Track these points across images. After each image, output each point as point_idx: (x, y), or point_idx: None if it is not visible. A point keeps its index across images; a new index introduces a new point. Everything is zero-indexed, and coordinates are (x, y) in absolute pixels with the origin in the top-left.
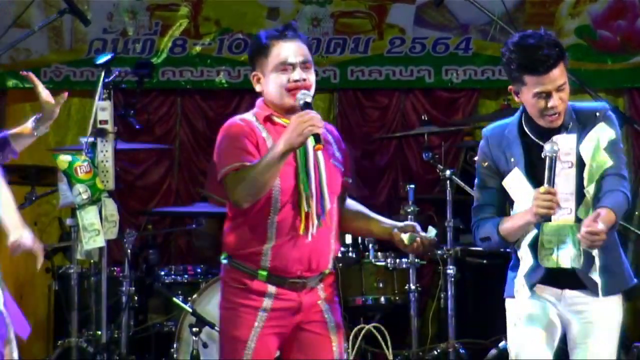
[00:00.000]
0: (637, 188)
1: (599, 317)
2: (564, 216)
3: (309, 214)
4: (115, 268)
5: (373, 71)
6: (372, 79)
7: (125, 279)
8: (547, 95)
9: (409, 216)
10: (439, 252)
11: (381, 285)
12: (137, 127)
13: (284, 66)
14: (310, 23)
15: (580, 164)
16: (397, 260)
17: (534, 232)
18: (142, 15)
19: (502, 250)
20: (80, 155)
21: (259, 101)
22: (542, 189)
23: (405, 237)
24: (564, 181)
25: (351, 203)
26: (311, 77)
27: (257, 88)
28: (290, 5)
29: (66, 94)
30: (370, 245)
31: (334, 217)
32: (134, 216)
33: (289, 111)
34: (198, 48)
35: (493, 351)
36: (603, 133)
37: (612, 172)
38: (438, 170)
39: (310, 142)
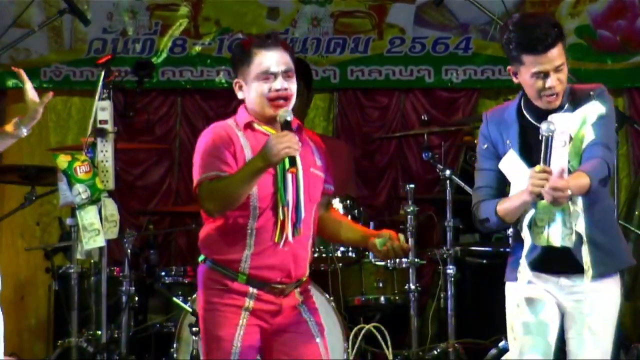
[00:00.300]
0: (636, 188)
1: (595, 308)
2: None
3: (284, 222)
4: (115, 268)
5: (373, 71)
6: (372, 79)
7: (125, 279)
8: (545, 75)
9: (409, 216)
10: (439, 251)
11: (381, 285)
12: (137, 127)
13: (266, 75)
14: (310, 23)
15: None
16: (397, 260)
17: (532, 212)
18: (142, 15)
19: (501, 250)
20: (80, 155)
21: (240, 108)
22: (537, 167)
23: (378, 241)
24: (557, 159)
25: (336, 213)
26: (292, 87)
27: (240, 95)
28: (290, 5)
29: (51, 94)
30: None
31: (311, 225)
32: (134, 216)
33: (269, 120)
34: (198, 48)
35: (493, 351)
36: (593, 109)
37: (596, 142)
38: (438, 170)
39: (286, 164)
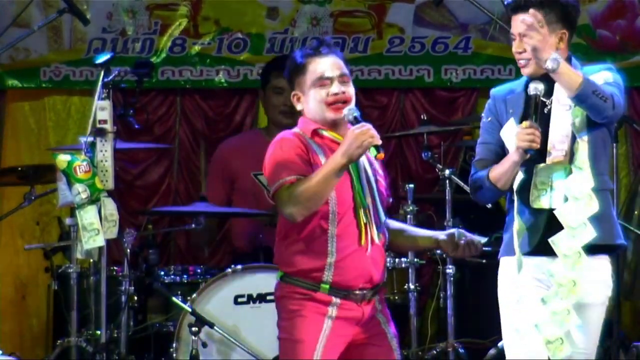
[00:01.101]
0: (636, 187)
1: (585, 295)
2: (558, 157)
3: (367, 225)
4: (115, 268)
5: (372, 70)
6: (372, 79)
7: (124, 279)
8: (514, 38)
9: (408, 216)
10: (439, 251)
11: None
12: (136, 126)
13: (322, 81)
14: (310, 22)
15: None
16: (397, 260)
17: (521, 176)
18: (142, 15)
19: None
20: (79, 155)
21: (301, 119)
22: (523, 124)
23: (456, 232)
24: (560, 123)
25: (391, 221)
26: (350, 90)
27: (298, 107)
28: (290, 5)
29: None
30: None
31: (385, 230)
32: (133, 216)
33: (332, 125)
34: (197, 47)
35: (492, 351)
36: (598, 75)
37: (607, 87)
38: (437, 170)
39: (371, 152)
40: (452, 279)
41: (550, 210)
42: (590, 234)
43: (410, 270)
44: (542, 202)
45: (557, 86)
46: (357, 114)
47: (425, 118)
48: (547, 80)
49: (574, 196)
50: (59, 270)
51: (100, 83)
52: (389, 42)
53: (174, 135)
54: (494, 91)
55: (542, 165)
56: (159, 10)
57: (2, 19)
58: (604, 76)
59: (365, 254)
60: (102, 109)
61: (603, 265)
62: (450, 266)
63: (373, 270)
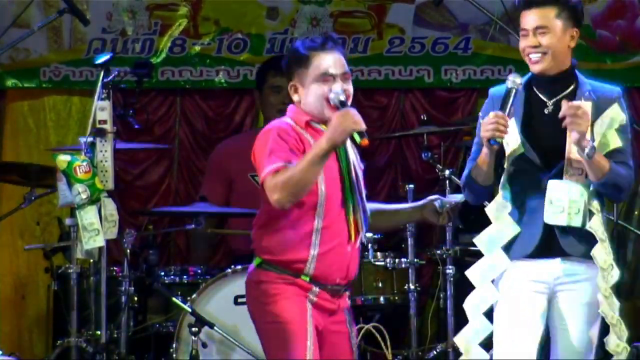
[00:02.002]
0: (636, 188)
1: (589, 294)
2: (575, 176)
3: (356, 221)
4: (115, 268)
5: (372, 71)
6: (371, 79)
7: (124, 279)
8: (526, 33)
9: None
10: (438, 251)
11: (380, 285)
12: (136, 126)
13: (326, 77)
14: (310, 23)
15: (591, 135)
16: (397, 260)
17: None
18: (141, 15)
19: None
20: (79, 155)
21: (293, 108)
22: (491, 114)
23: (437, 204)
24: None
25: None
26: (350, 88)
27: (295, 98)
28: (290, 5)
29: None
30: (370, 245)
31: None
32: (133, 216)
33: (325, 122)
34: (197, 48)
35: (492, 351)
36: (617, 115)
37: (621, 159)
38: (437, 170)
39: (355, 138)
40: (452, 279)
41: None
42: (616, 274)
43: (410, 270)
44: (559, 219)
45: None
46: (342, 97)
47: (425, 118)
48: (552, 80)
49: (600, 238)
50: (59, 271)
51: (100, 83)
52: (389, 42)
53: (174, 136)
54: (492, 90)
55: (557, 181)
56: (159, 10)
57: (2, 19)
58: (621, 118)
59: (346, 250)
60: (102, 109)
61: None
62: (450, 266)
63: (350, 266)
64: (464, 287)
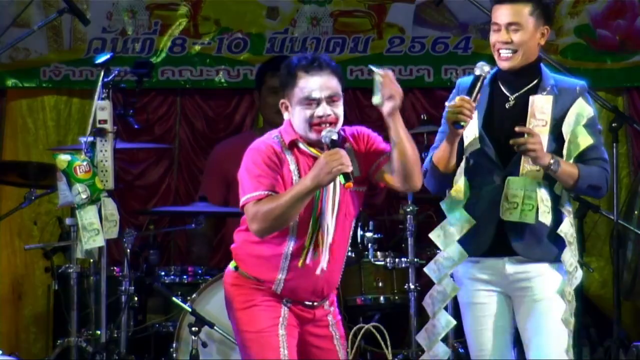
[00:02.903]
0: (636, 187)
1: (544, 291)
2: (532, 172)
3: (318, 246)
4: (115, 268)
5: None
6: (371, 79)
7: (124, 279)
8: (498, 28)
9: (408, 216)
10: (438, 251)
11: (380, 284)
12: (136, 126)
13: (308, 101)
14: (310, 22)
15: (555, 130)
16: (397, 260)
17: (462, 165)
18: (142, 15)
19: None
20: (79, 155)
21: (287, 123)
22: (457, 98)
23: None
24: None
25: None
26: (337, 111)
27: (285, 116)
28: (290, 5)
29: None
30: (370, 245)
31: (346, 242)
32: (133, 216)
33: (313, 143)
34: (197, 47)
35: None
36: (583, 110)
37: (594, 155)
38: None
39: (341, 180)
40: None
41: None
42: (580, 276)
43: (410, 270)
44: (513, 215)
45: (532, 101)
46: (335, 137)
47: (425, 118)
48: (516, 74)
49: (568, 241)
50: (59, 271)
51: (100, 83)
52: (389, 42)
53: (174, 135)
54: (460, 81)
55: (514, 178)
56: (159, 10)
57: (2, 19)
58: (589, 112)
59: (315, 275)
60: (102, 109)
61: (554, 273)
62: None
63: (325, 287)
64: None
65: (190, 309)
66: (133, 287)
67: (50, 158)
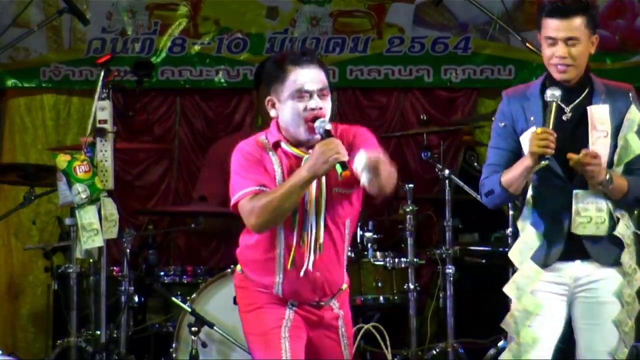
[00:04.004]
0: None
1: (607, 293)
2: (594, 187)
3: (303, 250)
4: (115, 268)
5: (372, 70)
6: (371, 79)
7: (124, 279)
8: (554, 42)
9: (408, 216)
10: (438, 251)
11: (380, 284)
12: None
13: (301, 94)
14: (310, 22)
15: (614, 139)
16: (396, 260)
17: (533, 186)
18: (141, 15)
19: (500, 249)
20: (79, 155)
21: (273, 123)
22: (538, 129)
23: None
24: (600, 149)
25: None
26: (327, 105)
27: (272, 113)
28: (290, 5)
29: None
30: (369, 245)
31: (342, 241)
32: (133, 216)
33: (300, 142)
34: (197, 47)
35: (492, 351)
36: (636, 115)
37: None
38: (437, 170)
39: (337, 169)
40: (451, 279)
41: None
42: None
43: (409, 270)
44: (587, 229)
45: (590, 112)
46: (328, 127)
47: (425, 118)
48: (568, 87)
49: (626, 243)
50: (59, 271)
51: (100, 83)
52: (389, 42)
53: (174, 135)
54: (508, 94)
55: (582, 191)
56: (159, 10)
57: (2, 19)
58: (638, 120)
59: (314, 273)
60: (102, 109)
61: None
62: (449, 266)
63: (325, 284)
64: (464, 287)
65: (190, 309)
66: (133, 287)
67: (49, 158)
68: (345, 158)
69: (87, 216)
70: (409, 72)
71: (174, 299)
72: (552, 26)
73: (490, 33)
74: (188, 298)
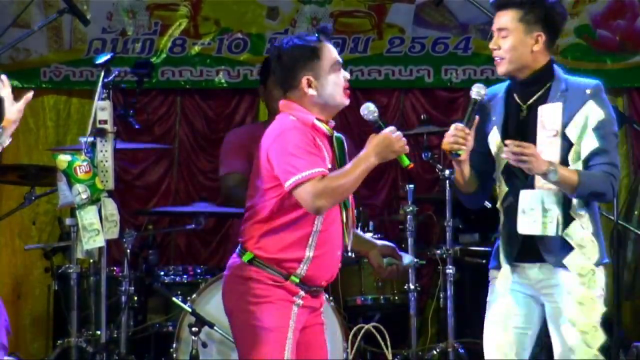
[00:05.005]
0: (636, 187)
1: (562, 295)
2: (547, 183)
3: (347, 225)
4: (115, 268)
5: (372, 71)
6: (372, 79)
7: (124, 279)
8: (492, 34)
9: (408, 216)
10: (438, 251)
11: (380, 285)
12: (136, 126)
13: (338, 65)
14: (310, 22)
15: (564, 137)
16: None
17: (509, 198)
18: (142, 15)
19: None
20: (79, 155)
21: (296, 106)
22: (452, 126)
23: (385, 260)
24: (548, 149)
25: None
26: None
27: (310, 92)
28: (290, 5)
29: (31, 94)
30: None
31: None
32: (133, 216)
33: (333, 113)
34: (197, 48)
35: None
36: (592, 113)
37: (600, 160)
38: (437, 170)
39: (403, 162)
40: (452, 279)
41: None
42: (600, 279)
43: (410, 270)
44: (532, 228)
45: (540, 110)
46: (377, 113)
47: (425, 118)
48: (525, 83)
49: (577, 244)
50: (59, 271)
51: (100, 83)
52: (389, 42)
53: (174, 135)
54: (487, 94)
55: (528, 191)
56: (159, 10)
57: (2, 19)
58: (598, 116)
59: (337, 254)
60: (102, 109)
61: (599, 273)
62: (450, 266)
63: (335, 269)
64: (464, 287)
65: (190, 309)
66: (133, 287)
67: (49, 158)
68: (407, 150)
69: (88, 216)
70: (410, 73)
71: (174, 299)
72: (495, 19)
73: (490, 33)
74: (188, 298)
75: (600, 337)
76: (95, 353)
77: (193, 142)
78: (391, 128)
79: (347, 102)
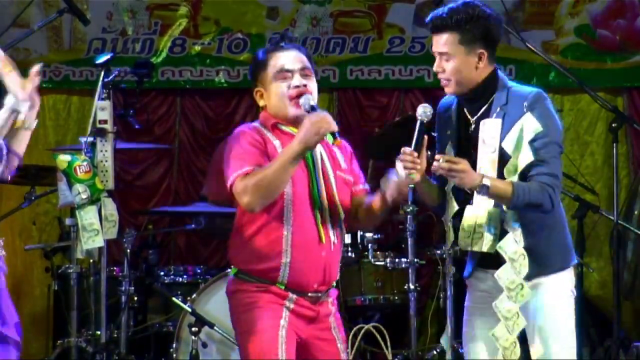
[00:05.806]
0: (636, 187)
1: (538, 307)
2: (484, 201)
3: (324, 224)
4: (115, 268)
5: (372, 71)
6: (372, 79)
7: (124, 279)
8: (435, 56)
9: (409, 216)
10: (438, 251)
11: (380, 285)
12: (136, 126)
13: (283, 73)
14: (310, 22)
15: (502, 152)
16: (396, 260)
17: (454, 205)
18: (142, 15)
19: None
20: (79, 155)
21: (262, 113)
22: (402, 149)
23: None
24: (488, 166)
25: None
26: (311, 84)
27: (261, 103)
28: (290, 5)
29: (37, 67)
30: (370, 245)
31: (340, 229)
32: (133, 216)
33: (293, 122)
34: (197, 48)
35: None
36: (527, 125)
37: (537, 171)
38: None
39: (329, 139)
40: (452, 279)
41: None
42: (527, 294)
43: (410, 270)
44: (466, 243)
45: (482, 126)
46: (313, 102)
47: None
48: (469, 98)
49: (510, 258)
50: (59, 271)
51: (100, 83)
52: (389, 42)
53: (174, 136)
54: (439, 104)
55: (468, 207)
56: (159, 10)
57: (2, 19)
58: (533, 127)
59: (321, 255)
60: (102, 109)
61: (563, 278)
62: (450, 266)
63: (328, 271)
64: (464, 287)
65: (190, 309)
66: (133, 287)
67: (49, 158)
68: (336, 128)
69: (88, 216)
70: (409, 72)
71: (174, 299)
72: (433, 40)
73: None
74: (188, 298)
75: (516, 354)
76: (95, 353)
77: (193, 142)
78: (316, 112)
79: (295, 111)
